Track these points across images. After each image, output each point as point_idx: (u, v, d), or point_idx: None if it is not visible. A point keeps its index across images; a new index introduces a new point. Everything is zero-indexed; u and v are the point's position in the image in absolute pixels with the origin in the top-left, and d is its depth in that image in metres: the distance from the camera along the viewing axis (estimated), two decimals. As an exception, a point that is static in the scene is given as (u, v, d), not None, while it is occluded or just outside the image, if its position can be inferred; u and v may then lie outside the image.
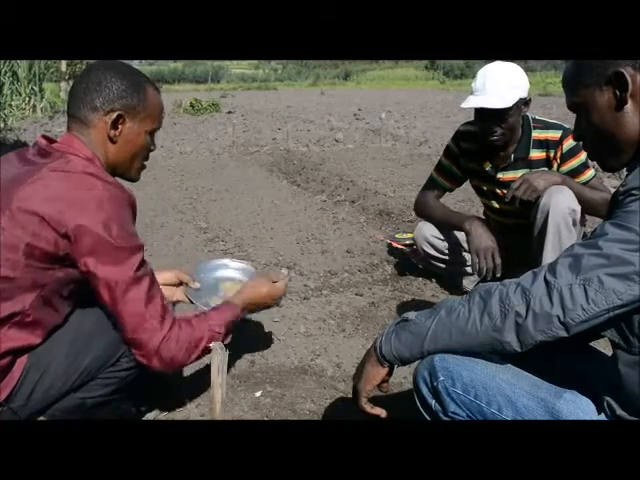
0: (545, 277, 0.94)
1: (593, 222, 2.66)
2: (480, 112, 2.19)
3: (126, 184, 1.38)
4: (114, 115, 1.34)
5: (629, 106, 0.99)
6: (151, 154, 1.50)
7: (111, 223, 1.24)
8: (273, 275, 1.76)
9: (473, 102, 2.16)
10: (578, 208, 2.10)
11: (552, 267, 0.94)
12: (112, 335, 1.38)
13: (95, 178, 1.26)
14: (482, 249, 2.16)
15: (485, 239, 2.18)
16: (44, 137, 1.36)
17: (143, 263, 1.32)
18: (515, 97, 2.12)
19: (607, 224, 0.93)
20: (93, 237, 1.23)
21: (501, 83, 2.13)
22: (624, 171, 1.04)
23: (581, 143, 1.12)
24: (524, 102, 2.19)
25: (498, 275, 2.15)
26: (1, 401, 1.25)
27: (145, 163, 1.49)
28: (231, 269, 1.94)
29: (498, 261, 2.15)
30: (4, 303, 1.22)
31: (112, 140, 1.36)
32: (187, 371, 1.84)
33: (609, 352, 1.07)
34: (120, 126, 1.35)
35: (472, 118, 2.32)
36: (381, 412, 1.16)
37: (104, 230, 1.23)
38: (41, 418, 1.34)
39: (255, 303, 1.66)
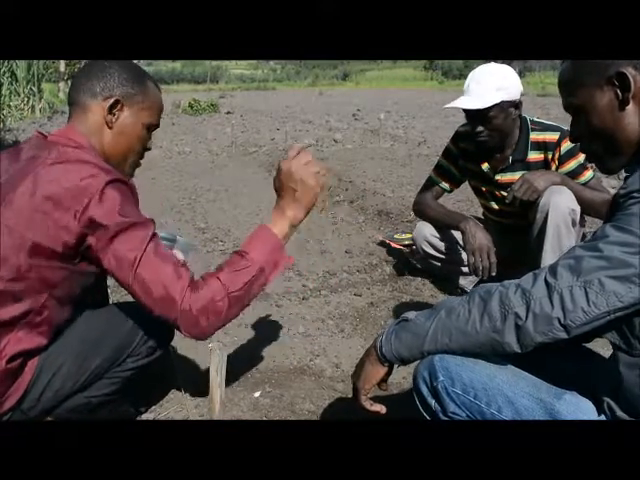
0: (546, 279, 0.93)
1: (592, 223, 2.67)
2: (465, 113, 2.23)
3: None
4: (111, 100, 1.35)
5: (630, 107, 0.99)
6: (150, 154, 1.49)
7: (115, 205, 1.23)
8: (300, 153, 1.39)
9: (454, 102, 2.21)
10: (578, 208, 2.11)
11: (553, 269, 0.94)
12: (120, 336, 1.38)
13: (91, 166, 1.26)
14: (477, 248, 2.19)
15: (480, 238, 2.21)
16: (38, 132, 1.38)
17: (154, 236, 1.29)
18: (496, 98, 2.12)
19: (608, 226, 0.93)
20: (101, 224, 1.22)
21: (484, 85, 2.14)
22: (623, 172, 1.04)
23: (579, 144, 1.12)
24: (512, 105, 2.19)
25: (493, 274, 2.17)
26: (13, 404, 1.25)
27: (140, 162, 1.47)
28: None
29: (493, 260, 2.18)
30: (14, 304, 1.21)
31: (108, 125, 1.37)
32: (186, 371, 1.84)
33: (608, 353, 1.07)
34: (117, 113, 1.37)
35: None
36: (381, 409, 1.17)
37: (110, 214, 1.23)
38: (48, 418, 1.34)
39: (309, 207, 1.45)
